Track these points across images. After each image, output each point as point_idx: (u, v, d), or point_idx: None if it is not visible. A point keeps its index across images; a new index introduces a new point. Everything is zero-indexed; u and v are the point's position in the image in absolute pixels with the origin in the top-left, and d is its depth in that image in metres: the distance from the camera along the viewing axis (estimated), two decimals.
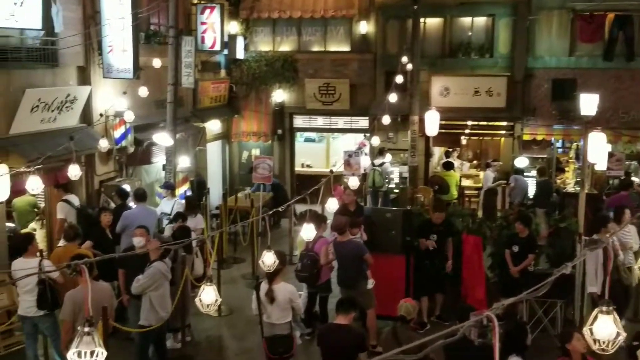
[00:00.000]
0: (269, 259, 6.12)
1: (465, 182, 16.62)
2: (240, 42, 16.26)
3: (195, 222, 10.53)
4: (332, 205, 8.63)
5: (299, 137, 18.68)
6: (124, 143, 12.01)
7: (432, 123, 10.91)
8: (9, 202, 9.89)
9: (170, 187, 11.57)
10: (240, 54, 16.28)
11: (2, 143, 9.41)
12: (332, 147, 19.16)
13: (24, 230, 10.51)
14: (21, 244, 8.07)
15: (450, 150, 17.06)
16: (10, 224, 10.53)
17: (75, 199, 10.66)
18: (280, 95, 16.86)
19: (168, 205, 11.29)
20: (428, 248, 9.66)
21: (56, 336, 7.73)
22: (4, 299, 9.00)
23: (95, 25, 11.29)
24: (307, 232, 7.14)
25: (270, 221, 13.48)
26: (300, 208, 12.32)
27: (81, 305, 6.69)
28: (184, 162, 12.31)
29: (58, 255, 8.54)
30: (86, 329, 3.34)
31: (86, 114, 11.38)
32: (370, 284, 8.91)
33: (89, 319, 3.40)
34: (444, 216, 9.84)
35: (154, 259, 7.71)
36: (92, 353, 3.33)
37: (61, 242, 9.75)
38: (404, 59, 14.14)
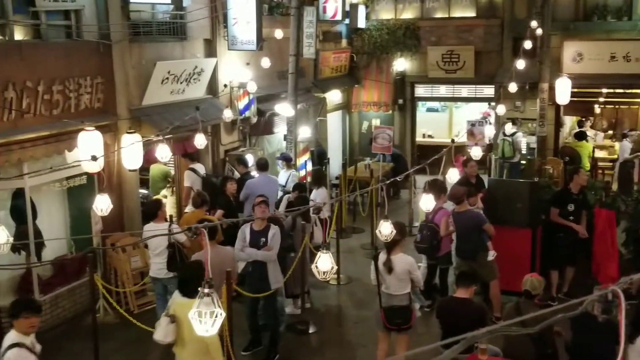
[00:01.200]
0: (386, 229, 6.05)
1: (599, 154, 15.64)
2: (361, 11, 16.10)
3: (317, 195, 10.59)
4: (453, 175, 8.39)
5: (421, 107, 18.33)
6: (247, 113, 12.29)
7: (564, 91, 10.27)
8: (142, 170, 10.44)
9: (287, 159, 11.69)
10: (361, 22, 16.13)
11: (135, 113, 9.90)
12: (455, 117, 18.64)
13: (155, 197, 11.07)
14: (151, 210, 8.50)
15: (583, 119, 16.07)
16: (143, 191, 11.12)
17: (201, 168, 11.07)
18: (401, 64, 16.58)
19: (283, 177, 11.45)
20: (566, 219, 9.19)
21: None
22: (137, 260, 9.58)
23: None
24: (426, 202, 6.97)
25: (390, 192, 13.38)
26: (420, 179, 12.12)
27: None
28: (304, 132, 12.40)
29: (186, 221, 8.93)
30: (206, 290, 3.43)
31: (212, 86, 11.72)
32: (491, 255, 8.63)
33: (209, 281, 3.49)
34: (583, 182, 9.29)
35: (262, 228, 7.81)
36: (211, 314, 3.41)
37: (188, 209, 10.21)
38: (534, 23, 13.38)
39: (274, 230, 7.78)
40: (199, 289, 3.39)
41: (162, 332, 5.84)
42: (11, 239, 5.94)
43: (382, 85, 16.73)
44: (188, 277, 5.96)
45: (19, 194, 8.61)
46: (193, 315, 3.34)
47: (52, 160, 8.68)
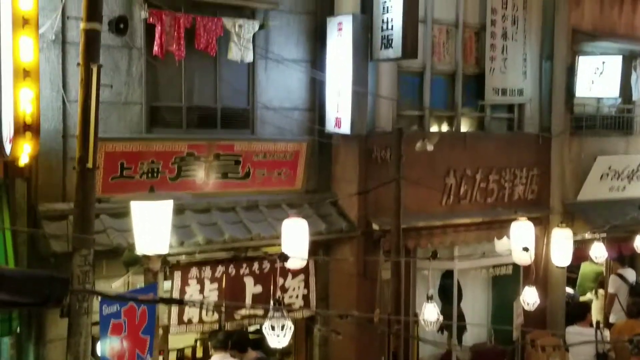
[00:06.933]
0: None
1: None
2: None
3: None
4: None
5: None
6: None
7: None
8: (570, 267, 9.95)
9: None
10: None
11: (569, 208, 9.62)
12: None
13: (582, 299, 10.41)
14: (579, 312, 8.00)
15: None
16: (569, 290, 10.56)
17: (631, 274, 10.12)
18: None
19: None
20: None
21: None
22: None
23: None
24: None
25: None
26: None
27: None
28: None
29: (617, 329, 8.14)
30: None
31: None
32: None
33: None
34: None
35: None
36: None
37: (611, 318, 9.31)
38: None
39: None
40: None
41: None
42: (441, 318, 6.18)
43: None
44: None
45: (447, 275, 9.01)
46: None
47: (481, 246, 8.92)
